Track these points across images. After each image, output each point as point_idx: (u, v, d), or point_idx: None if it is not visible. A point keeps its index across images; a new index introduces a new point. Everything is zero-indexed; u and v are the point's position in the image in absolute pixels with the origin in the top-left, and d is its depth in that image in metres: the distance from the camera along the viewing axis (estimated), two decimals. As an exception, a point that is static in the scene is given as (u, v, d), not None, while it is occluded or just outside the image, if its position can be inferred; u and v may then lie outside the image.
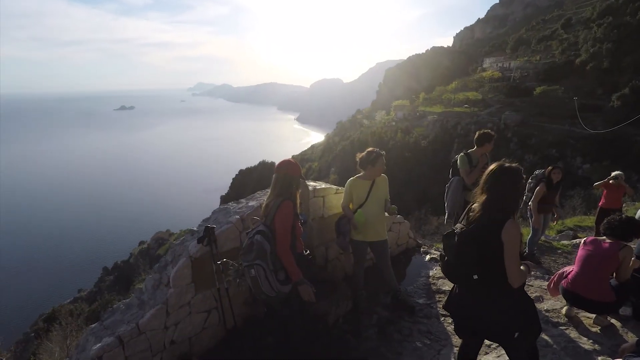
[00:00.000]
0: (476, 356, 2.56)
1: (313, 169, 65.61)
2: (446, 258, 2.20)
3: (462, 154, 4.47)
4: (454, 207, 4.43)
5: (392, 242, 5.05)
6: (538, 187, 5.26)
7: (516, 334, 2.08)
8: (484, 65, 69.33)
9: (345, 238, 3.75)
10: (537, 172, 5.63)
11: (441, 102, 60.06)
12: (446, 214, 4.61)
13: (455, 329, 2.51)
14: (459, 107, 53.34)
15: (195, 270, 3.02)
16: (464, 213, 2.29)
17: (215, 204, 59.46)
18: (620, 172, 6.33)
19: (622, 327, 3.51)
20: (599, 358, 3.11)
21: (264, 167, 54.99)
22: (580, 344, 3.29)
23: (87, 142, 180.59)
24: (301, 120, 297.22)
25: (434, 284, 4.48)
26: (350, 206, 3.72)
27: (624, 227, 3.33)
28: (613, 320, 3.59)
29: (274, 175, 2.60)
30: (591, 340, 3.34)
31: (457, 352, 2.63)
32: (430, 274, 4.72)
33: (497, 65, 64.47)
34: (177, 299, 2.93)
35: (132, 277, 25.80)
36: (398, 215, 5.09)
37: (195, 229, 3.43)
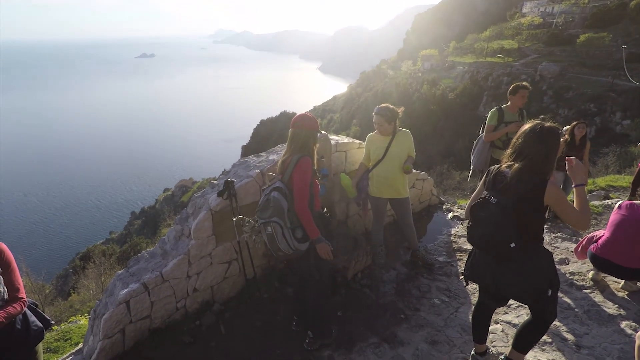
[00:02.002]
0: (491, 315, 2.52)
1: (334, 121, 64.54)
2: (478, 229, 2.07)
3: (494, 108, 4.18)
4: (479, 164, 4.26)
5: (414, 199, 4.96)
6: None
7: (550, 292, 2.06)
8: (524, 10, 63.69)
9: (361, 194, 3.67)
10: (567, 127, 5.33)
11: (473, 52, 56.45)
12: (470, 170, 4.45)
13: (482, 297, 2.44)
14: (491, 57, 50.02)
15: (216, 223, 3.04)
16: (490, 175, 2.13)
17: (237, 153, 60.37)
18: None
19: (651, 294, 3.39)
20: (624, 323, 3.03)
21: (286, 118, 54.55)
22: (605, 308, 3.22)
23: (111, 90, 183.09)
24: (323, 69, 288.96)
25: (455, 242, 4.42)
26: (370, 163, 3.60)
27: None
28: (643, 287, 3.47)
29: (290, 131, 2.50)
30: (617, 305, 3.25)
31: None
32: (452, 232, 4.65)
33: (538, 10, 59.02)
34: (198, 250, 2.99)
35: (158, 221, 27.21)
36: (422, 172, 4.95)
37: (215, 181, 3.41)
